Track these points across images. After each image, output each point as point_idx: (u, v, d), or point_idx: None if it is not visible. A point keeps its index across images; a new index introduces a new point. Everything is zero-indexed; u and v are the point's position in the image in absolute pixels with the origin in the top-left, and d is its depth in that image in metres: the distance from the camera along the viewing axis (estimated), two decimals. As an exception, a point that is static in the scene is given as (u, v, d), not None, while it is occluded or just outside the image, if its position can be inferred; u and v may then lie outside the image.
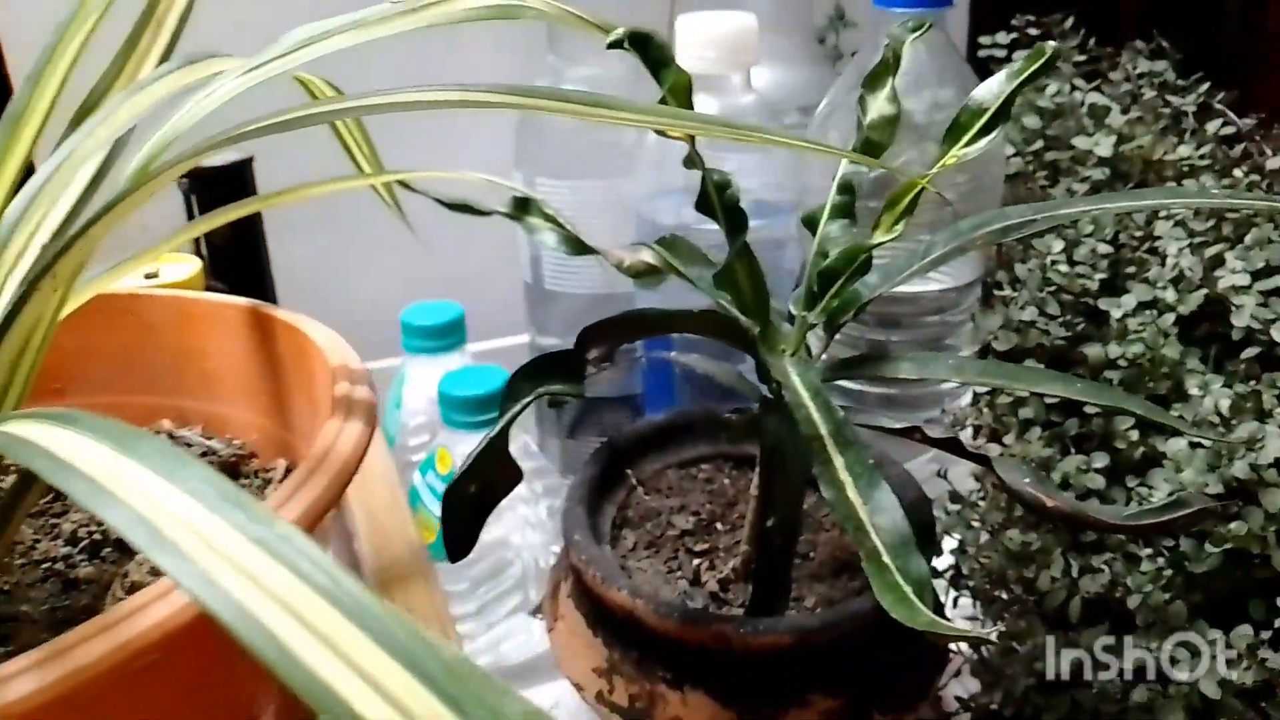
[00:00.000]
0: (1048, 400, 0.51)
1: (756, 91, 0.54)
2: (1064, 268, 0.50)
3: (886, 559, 0.25)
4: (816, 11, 0.70)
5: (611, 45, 0.32)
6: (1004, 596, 0.48)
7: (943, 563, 0.51)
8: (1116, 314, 0.48)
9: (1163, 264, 0.48)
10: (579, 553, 0.43)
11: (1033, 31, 0.63)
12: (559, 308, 0.62)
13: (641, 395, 0.63)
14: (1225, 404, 0.45)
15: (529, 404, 0.31)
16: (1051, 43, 0.34)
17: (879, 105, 0.41)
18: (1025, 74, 0.34)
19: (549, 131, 0.59)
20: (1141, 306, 0.48)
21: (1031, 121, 0.57)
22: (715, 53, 0.51)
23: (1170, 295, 0.47)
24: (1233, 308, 0.48)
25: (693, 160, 0.35)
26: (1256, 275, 0.51)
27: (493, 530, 0.52)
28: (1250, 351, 0.51)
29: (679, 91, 0.33)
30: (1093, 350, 0.50)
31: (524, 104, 0.23)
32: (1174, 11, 1.25)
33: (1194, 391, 0.45)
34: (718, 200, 0.36)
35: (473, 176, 0.43)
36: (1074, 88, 0.59)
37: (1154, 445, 0.49)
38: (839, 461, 0.29)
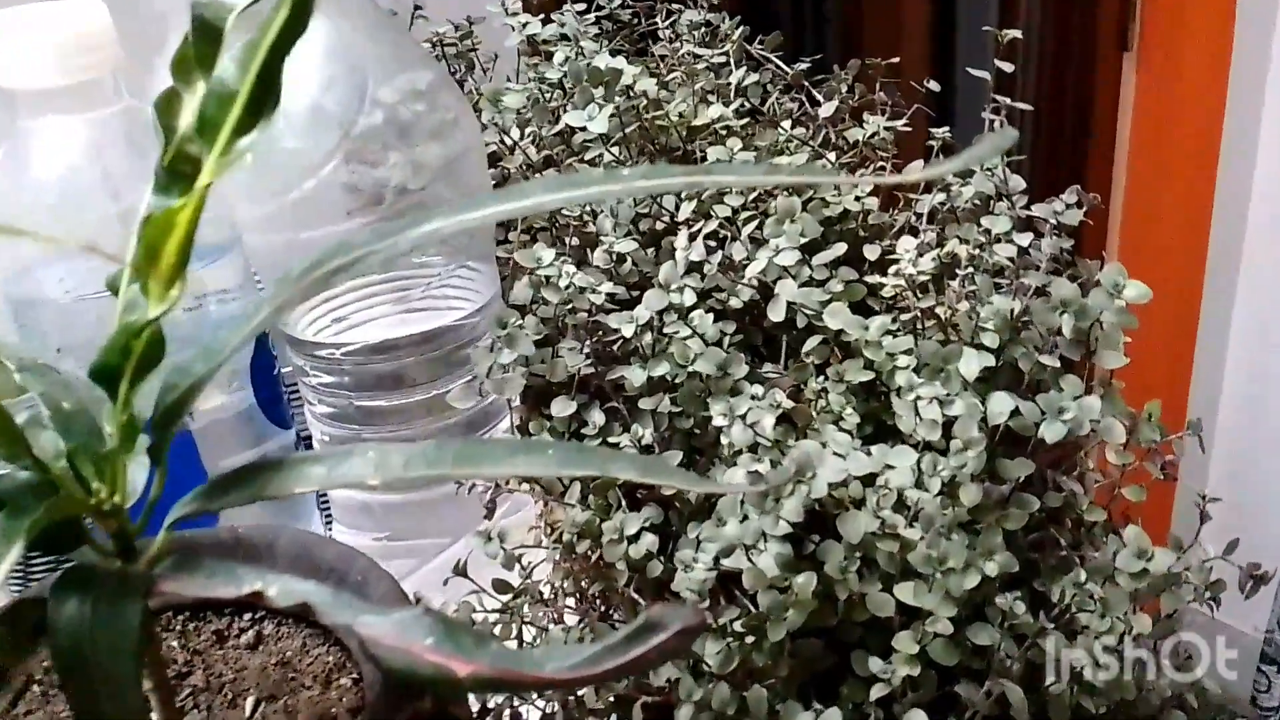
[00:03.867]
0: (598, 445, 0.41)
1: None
2: (580, 278, 0.39)
3: None
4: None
5: None
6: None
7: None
8: (628, 331, 0.37)
9: (673, 257, 0.38)
10: None
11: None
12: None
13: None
14: (770, 423, 0.36)
15: None
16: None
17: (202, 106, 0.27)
18: (273, 35, 0.22)
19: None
20: (664, 314, 0.38)
21: (515, 100, 0.46)
22: (53, 58, 0.37)
23: (687, 297, 0.37)
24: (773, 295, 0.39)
25: None
26: (809, 250, 0.43)
27: None
28: (813, 342, 0.42)
29: None
30: (633, 374, 0.40)
31: None
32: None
33: (719, 421, 0.35)
34: None
35: None
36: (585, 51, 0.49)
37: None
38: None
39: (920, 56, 1.09)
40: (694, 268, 0.40)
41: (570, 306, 0.39)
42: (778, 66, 0.54)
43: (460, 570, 0.37)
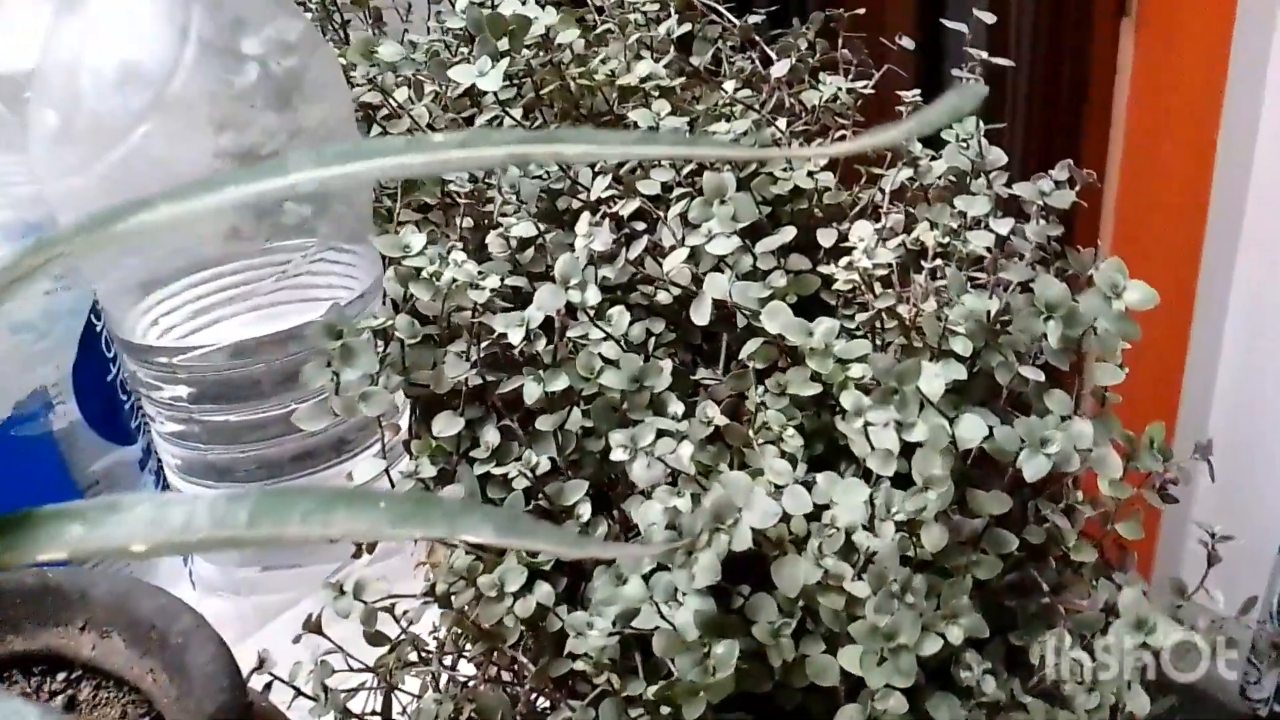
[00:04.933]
0: (490, 472, 0.34)
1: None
2: (461, 270, 0.32)
3: None
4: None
5: None
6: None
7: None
8: (516, 336, 0.30)
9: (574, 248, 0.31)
10: None
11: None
12: None
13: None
14: (688, 453, 0.29)
15: None
16: None
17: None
18: None
19: None
20: (576, 313, 0.31)
21: (391, 52, 0.39)
22: None
23: (590, 295, 0.30)
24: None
25: None
26: (752, 235, 0.36)
27: None
28: (754, 344, 0.35)
29: None
30: (530, 389, 0.33)
31: None
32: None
33: (619, 455, 0.28)
34: None
35: None
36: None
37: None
38: None
39: (904, 13, 1.02)
40: (606, 258, 0.33)
41: (456, 304, 0.32)
42: (727, 20, 0.47)
43: (313, 625, 0.31)
